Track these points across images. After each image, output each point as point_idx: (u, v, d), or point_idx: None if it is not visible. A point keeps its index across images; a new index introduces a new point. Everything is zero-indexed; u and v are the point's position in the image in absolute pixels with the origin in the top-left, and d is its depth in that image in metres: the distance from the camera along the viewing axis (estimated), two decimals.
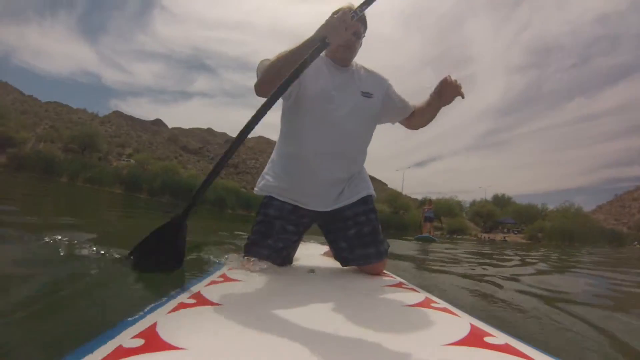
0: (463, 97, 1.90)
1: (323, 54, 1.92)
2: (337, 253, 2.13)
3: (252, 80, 1.82)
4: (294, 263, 2.23)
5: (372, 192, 2.11)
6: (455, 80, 1.85)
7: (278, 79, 1.61)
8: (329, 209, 1.98)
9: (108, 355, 0.72)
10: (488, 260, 6.22)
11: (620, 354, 1.44)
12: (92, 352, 0.74)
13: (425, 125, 2.13)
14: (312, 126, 1.89)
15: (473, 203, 60.57)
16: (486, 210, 54.67)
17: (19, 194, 8.76)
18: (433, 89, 1.92)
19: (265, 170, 2.10)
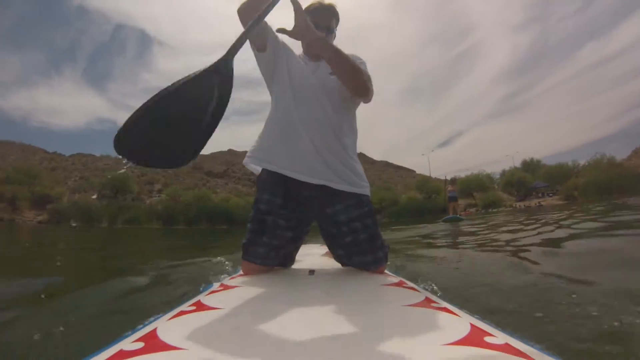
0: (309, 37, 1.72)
1: (298, 51, 2.08)
2: (335, 258, 2.13)
3: (259, 95, 1.93)
4: (294, 264, 2.23)
5: (365, 191, 2.04)
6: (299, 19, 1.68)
7: (245, 15, 1.70)
8: (314, 182, 1.91)
9: (109, 358, 0.74)
10: (514, 236, 6.21)
11: (624, 351, 1.45)
12: (93, 356, 0.77)
13: (353, 86, 1.87)
14: (289, 96, 1.94)
15: (503, 173, 59.02)
16: (516, 178, 53.30)
17: (64, 245, 9.17)
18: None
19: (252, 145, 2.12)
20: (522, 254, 3.89)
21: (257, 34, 1.88)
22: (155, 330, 0.91)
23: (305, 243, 2.21)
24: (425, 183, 50.42)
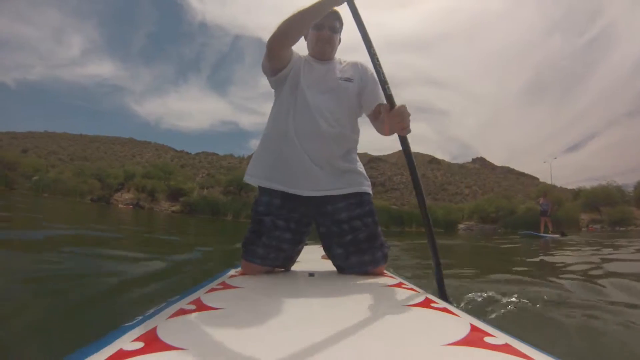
0: (403, 134, 1.75)
1: (303, 53, 2.14)
2: (332, 259, 2.08)
3: None
4: (294, 266, 2.22)
5: (366, 189, 2.04)
6: (403, 112, 1.68)
7: (291, 31, 1.84)
8: (315, 194, 1.93)
9: (108, 358, 0.75)
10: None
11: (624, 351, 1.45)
12: (93, 354, 0.77)
13: (385, 135, 1.91)
14: (299, 109, 1.96)
15: (638, 185, 49.66)
16: None
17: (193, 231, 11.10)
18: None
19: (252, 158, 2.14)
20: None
21: (282, 60, 1.98)
22: (155, 328, 0.92)
23: (306, 245, 2.20)
24: (547, 193, 46.94)
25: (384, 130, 1.87)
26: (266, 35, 1.89)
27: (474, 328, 0.94)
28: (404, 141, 1.77)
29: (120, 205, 34.55)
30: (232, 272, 2.01)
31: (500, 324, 1.05)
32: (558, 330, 1.75)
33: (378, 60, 1.78)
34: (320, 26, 2.03)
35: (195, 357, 0.76)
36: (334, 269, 2.12)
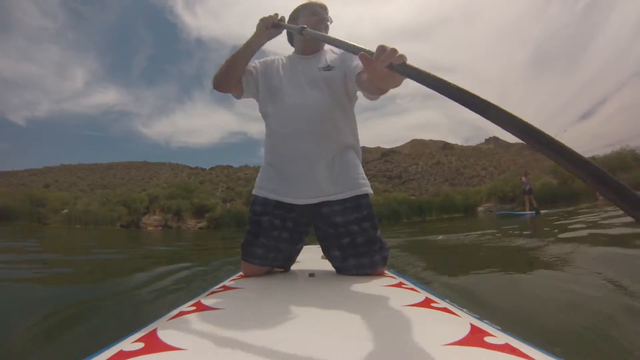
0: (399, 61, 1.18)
1: (290, 53, 2.17)
2: (330, 261, 2.05)
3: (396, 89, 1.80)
4: (294, 267, 2.22)
5: (364, 190, 1.95)
6: (383, 47, 1.20)
7: (228, 76, 1.96)
8: (310, 202, 1.90)
9: (109, 358, 0.75)
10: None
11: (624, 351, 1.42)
12: (93, 356, 0.78)
13: (377, 94, 1.74)
14: (278, 111, 1.96)
15: None
16: None
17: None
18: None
19: None
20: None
21: (234, 90, 2.04)
22: (155, 330, 0.92)
23: (305, 245, 2.18)
24: (527, 172, 46.82)
25: (373, 86, 1.66)
26: (268, 44, 1.96)
27: (474, 328, 0.93)
28: (405, 69, 1.17)
29: (149, 228, 35.66)
30: (233, 276, 2.02)
31: (500, 324, 1.03)
32: (556, 329, 1.75)
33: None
34: (317, 12, 2.03)
35: (195, 358, 0.77)
36: (334, 269, 2.11)
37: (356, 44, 1.38)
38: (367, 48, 1.30)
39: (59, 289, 2.68)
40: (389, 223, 29.96)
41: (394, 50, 1.18)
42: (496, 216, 14.68)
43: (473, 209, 34.02)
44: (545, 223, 9.65)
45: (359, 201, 1.93)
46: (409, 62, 1.17)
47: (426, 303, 1.25)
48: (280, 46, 2.27)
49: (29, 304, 2.24)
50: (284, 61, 2.10)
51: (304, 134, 1.87)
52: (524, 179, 18.07)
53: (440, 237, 8.18)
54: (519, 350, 0.78)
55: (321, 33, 1.82)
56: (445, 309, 1.15)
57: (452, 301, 1.31)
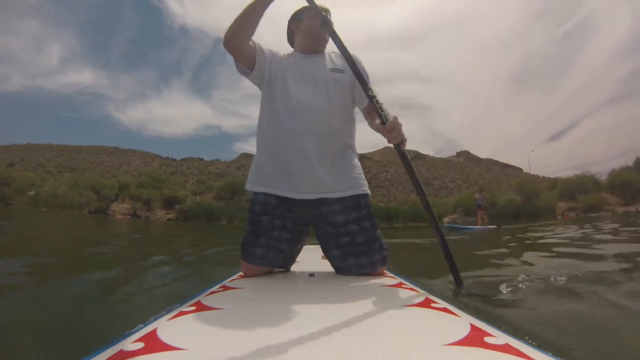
0: (399, 145, 1.79)
1: (292, 50, 2.16)
2: (329, 261, 2.06)
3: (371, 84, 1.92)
4: (294, 267, 2.22)
5: (364, 190, 1.99)
6: (396, 126, 1.74)
7: (239, 25, 1.82)
8: (309, 197, 1.90)
9: (109, 358, 0.75)
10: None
11: (624, 352, 1.43)
12: (93, 357, 0.78)
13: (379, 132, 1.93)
14: (282, 108, 1.93)
15: (612, 173, 52.02)
16: (621, 179, 47.61)
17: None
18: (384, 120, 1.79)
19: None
20: None
21: (245, 54, 1.95)
22: (155, 330, 0.93)
23: (305, 245, 2.20)
24: (525, 185, 48.82)
25: (377, 128, 1.88)
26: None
27: (474, 328, 0.94)
28: (399, 149, 1.81)
29: (118, 216, 35.02)
30: (233, 276, 2.01)
31: (500, 324, 1.06)
32: (554, 328, 1.75)
33: (371, 91, 1.84)
34: (314, 17, 2.02)
35: (195, 357, 0.77)
36: (334, 269, 2.11)
37: (379, 104, 1.79)
38: (384, 113, 1.78)
39: (59, 289, 2.65)
40: None
41: (402, 139, 1.78)
42: (446, 228, 15.37)
43: (439, 219, 34.31)
44: (496, 236, 10.59)
45: (359, 200, 1.95)
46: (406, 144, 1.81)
47: (426, 303, 1.25)
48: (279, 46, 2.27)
49: (29, 303, 2.20)
50: (287, 58, 2.06)
51: (308, 133, 1.88)
52: (478, 195, 19.38)
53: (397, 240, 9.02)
54: (518, 350, 0.78)
55: (337, 37, 1.87)
56: (445, 309, 1.16)
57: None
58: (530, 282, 2.65)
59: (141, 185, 42.19)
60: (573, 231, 9.40)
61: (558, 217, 16.39)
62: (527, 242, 7.45)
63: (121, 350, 0.79)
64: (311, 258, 2.92)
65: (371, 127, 2.00)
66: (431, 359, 0.77)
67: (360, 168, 2.06)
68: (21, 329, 1.73)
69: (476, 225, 17.48)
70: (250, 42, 1.93)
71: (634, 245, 5.15)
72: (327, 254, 2.05)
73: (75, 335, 1.65)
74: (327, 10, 2.05)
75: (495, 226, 16.40)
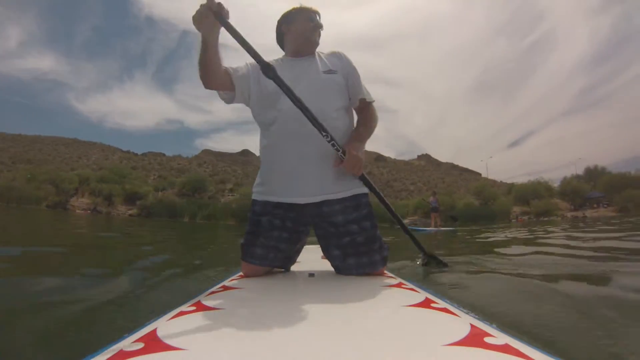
0: (357, 175, 1.95)
1: (282, 55, 2.16)
2: (330, 261, 2.06)
3: None
4: (294, 267, 2.23)
5: (363, 190, 1.99)
6: (353, 161, 1.86)
7: (205, 72, 1.87)
8: (313, 201, 1.90)
9: (109, 358, 0.75)
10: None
11: (624, 352, 1.43)
12: (93, 357, 0.78)
13: None
14: (279, 114, 1.93)
15: (564, 180, 57.76)
16: (571, 187, 52.24)
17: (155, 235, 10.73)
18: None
19: None
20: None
21: (223, 86, 1.99)
22: (155, 330, 0.92)
23: (305, 245, 2.22)
24: (483, 189, 51.11)
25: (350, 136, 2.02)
26: None
27: (474, 328, 0.94)
28: (362, 178, 1.98)
29: (77, 211, 33.80)
30: (233, 276, 2.01)
31: (500, 324, 1.08)
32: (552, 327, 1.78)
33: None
34: (312, 19, 2.05)
35: (195, 357, 0.77)
36: (334, 269, 2.11)
37: (335, 144, 1.84)
38: (341, 150, 1.87)
39: (59, 288, 2.61)
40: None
41: (359, 166, 1.89)
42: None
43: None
44: (453, 237, 11.34)
45: (359, 200, 1.96)
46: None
47: (426, 303, 1.26)
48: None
49: (28, 303, 2.18)
50: (277, 64, 2.02)
51: (305, 136, 1.87)
52: (432, 198, 19.92)
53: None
54: (518, 350, 0.78)
55: (283, 82, 1.82)
56: (445, 309, 1.16)
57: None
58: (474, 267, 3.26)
59: (102, 179, 41.20)
60: (524, 233, 10.51)
61: (512, 220, 17.02)
62: (479, 241, 8.32)
63: (121, 350, 0.79)
64: (311, 258, 2.92)
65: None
66: (431, 359, 0.77)
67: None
68: (21, 329, 1.70)
69: (429, 227, 17.98)
70: (224, 73, 1.95)
71: (578, 245, 5.58)
72: (328, 254, 2.04)
73: (75, 335, 1.63)
74: (316, 13, 2.07)
75: (450, 228, 16.98)
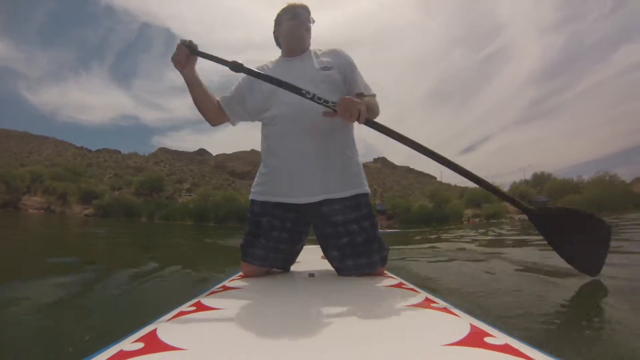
0: (360, 121, 1.71)
1: (277, 56, 2.18)
2: (329, 261, 2.05)
3: None
4: (294, 267, 2.22)
5: (364, 189, 1.99)
6: (346, 105, 1.66)
7: (202, 111, 2.05)
8: (312, 200, 1.89)
9: (109, 358, 0.75)
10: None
11: (623, 352, 1.45)
12: (93, 357, 0.77)
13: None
14: (277, 114, 1.94)
15: (513, 185, 63.14)
16: (519, 192, 57.22)
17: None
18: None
19: None
20: None
21: (231, 117, 2.10)
22: (155, 330, 0.92)
23: (305, 245, 2.21)
24: (437, 192, 53.38)
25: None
26: (177, 26, 1.95)
27: (474, 328, 0.94)
28: (367, 123, 1.73)
29: (30, 210, 32.44)
30: (233, 276, 2.00)
31: (500, 324, 1.10)
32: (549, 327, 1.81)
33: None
34: (298, 14, 2.05)
35: (195, 357, 0.76)
36: (334, 269, 2.11)
37: (321, 99, 1.72)
38: (331, 101, 1.71)
39: (59, 289, 2.65)
40: (236, 225, 30.90)
41: (356, 114, 1.66)
42: None
43: None
44: (406, 237, 12.73)
45: (359, 200, 1.95)
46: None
47: (426, 303, 1.25)
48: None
49: (28, 303, 2.20)
50: (272, 65, 2.09)
51: (305, 133, 1.87)
52: (378, 202, 20.68)
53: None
54: (518, 350, 0.78)
55: (255, 71, 1.89)
56: (445, 309, 1.16)
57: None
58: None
59: (56, 177, 39.76)
60: (472, 234, 11.34)
61: (464, 222, 17.89)
62: (430, 239, 9.64)
63: (121, 350, 0.78)
64: (311, 258, 2.91)
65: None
66: (431, 359, 0.76)
67: (360, 167, 2.06)
68: (22, 329, 1.71)
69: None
70: (217, 107, 2.07)
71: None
72: (327, 255, 2.04)
73: (75, 336, 1.60)
74: (301, 7, 2.07)
75: (396, 230, 17.58)
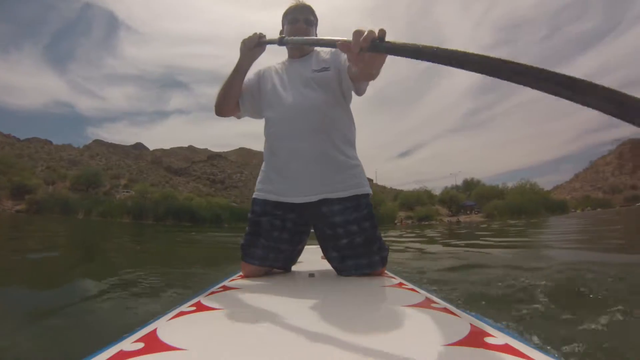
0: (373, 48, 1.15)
1: (283, 58, 2.21)
2: (329, 261, 2.06)
3: None
4: (295, 267, 2.23)
5: (364, 189, 1.97)
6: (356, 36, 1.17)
7: (226, 99, 2.05)
8: (311, 200, 1.90)
9: (109, 358, 0.75)
10: None
11: (622, 351, 1.49)
12: (93, 357, 0.77)
13: (368, 79, 1.77)
14: (276, 113, 1.99)
15: (444, 190, 68.24)
16: (449, 196, 61.34)
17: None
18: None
19: None
20: None
21: (233, 113, 2.14)
22: (155, 330, 0.92)
23: (306, 245, 2.21)
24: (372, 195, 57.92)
25: (363, 73, 1.63)
26: (121, 10, 1.83)
27: (474, 328, 0.95)
28: (386, 45, 1.11)
29: None
30: (233, 276, 2.00)
31: (501, 324, 1.12)
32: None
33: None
34: (295, 20, 2.05)
35: (195, 357, 0.77)
36: (334, 269, 2.10)
37: (333, 37, 1.35)
38: (344, 38, 1.27)
39: (59, 290, 2.70)
40: (210, 227, 31.42)
41: (371, 32, 1.13)
42: None
43: None
44: None
45: (359, 200, 1.94)
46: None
47: (426, 303, 1.26)
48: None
49: (29, 303, 2.22)
50: (278, 67, 2.15)
51: (302, 133, 1.88)
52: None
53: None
54: (518, 350, 0.79)
55: (298, 38, 1.90)
56: (445, 309, 1.17)
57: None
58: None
59: None
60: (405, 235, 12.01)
61: (397, 223, 18.68)
62: None
63: (121, 350, 0.79)
64: (311, 258, 2.90)
65: (357, 76, 1.81)
66: (431, 359, 0.77)
67: (361, 167, 2.06)
68: (22, 329, 1.70)
69: None
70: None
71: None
72: (326, 255, 2.05)
73: (76, 335, 1.52)
74: (304, 9, 2.07)
75: None
